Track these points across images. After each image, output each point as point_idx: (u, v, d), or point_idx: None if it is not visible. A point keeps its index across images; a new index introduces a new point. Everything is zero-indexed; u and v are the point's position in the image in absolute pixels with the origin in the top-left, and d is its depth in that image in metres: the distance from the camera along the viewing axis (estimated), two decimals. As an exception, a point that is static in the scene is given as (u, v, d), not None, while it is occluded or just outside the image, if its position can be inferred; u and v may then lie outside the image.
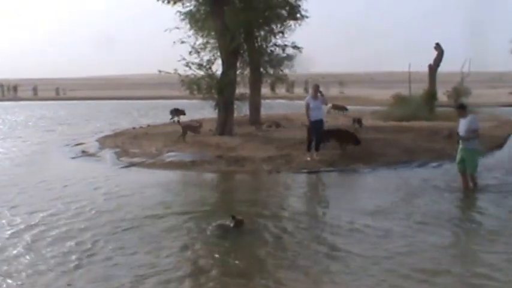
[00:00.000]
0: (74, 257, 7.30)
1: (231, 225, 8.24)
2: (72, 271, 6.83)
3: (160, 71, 19.68)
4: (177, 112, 27.59)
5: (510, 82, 59.25)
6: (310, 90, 15.81)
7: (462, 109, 11.67)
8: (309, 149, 14.95)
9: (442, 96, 31.47)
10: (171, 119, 27.58)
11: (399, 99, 29.62)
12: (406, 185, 12.58)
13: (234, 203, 10.93)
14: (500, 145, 18.40)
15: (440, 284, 6.42)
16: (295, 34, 23.61)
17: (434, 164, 14.78)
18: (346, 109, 30.59)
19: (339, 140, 15.63)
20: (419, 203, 10.51)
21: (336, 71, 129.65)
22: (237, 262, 7.17)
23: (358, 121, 21.18)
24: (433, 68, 31.21)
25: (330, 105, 21.62)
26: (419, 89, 29.65)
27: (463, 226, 9.13)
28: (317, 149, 14.86)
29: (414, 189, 11.94)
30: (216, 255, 7.40)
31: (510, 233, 8.51)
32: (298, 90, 60.84)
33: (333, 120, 23.03)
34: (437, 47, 31.51)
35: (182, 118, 26.58)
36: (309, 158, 14.69)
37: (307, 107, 14.71)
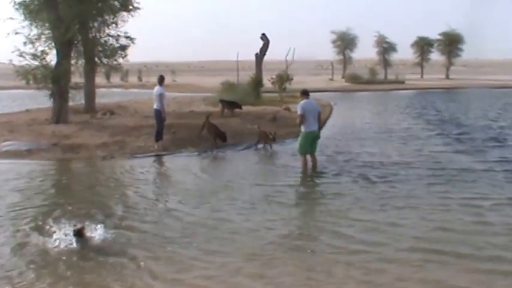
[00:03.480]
0: None
1: (74, 237, 7.84)
2: None
3: None
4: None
5: (330, 69, 64.78)
6: (159, 80, 15.49)
7: (300, 94, 12.62)
8: (158, 138, 15.57)
9: (267, 82, 33.72)
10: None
11: (228, 86, 31.40)
12: (232, 166, 13.65)
13: (71, 192, 11.13)
14: (320, 127, 20.29)
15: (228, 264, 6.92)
16: (130, 25, 24.32)
17: (259, 146, 15.93)
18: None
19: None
20: (244, 184, 11.24)
21: (168, 60, 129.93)
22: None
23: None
24: (260, 56, 33.65)
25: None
26: (246, 76, 31.70)
27: (288, 204, 9.83)
28: (158, 139, 15.55)
29: (240, 171, 12.76)
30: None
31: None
32: (132, 79, 61.43)
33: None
34: (264, 37, 33.96)
35: None
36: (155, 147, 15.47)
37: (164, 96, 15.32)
